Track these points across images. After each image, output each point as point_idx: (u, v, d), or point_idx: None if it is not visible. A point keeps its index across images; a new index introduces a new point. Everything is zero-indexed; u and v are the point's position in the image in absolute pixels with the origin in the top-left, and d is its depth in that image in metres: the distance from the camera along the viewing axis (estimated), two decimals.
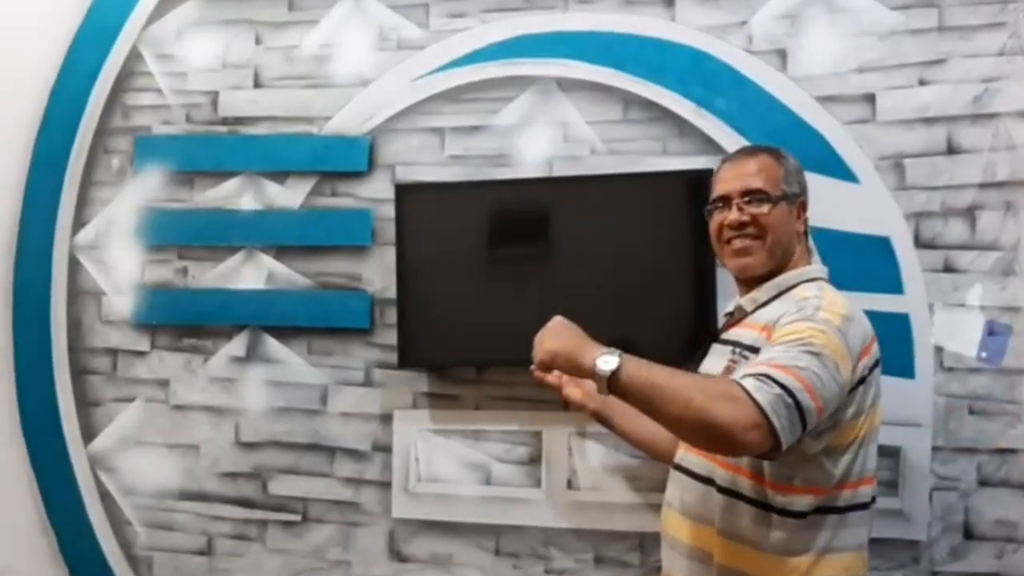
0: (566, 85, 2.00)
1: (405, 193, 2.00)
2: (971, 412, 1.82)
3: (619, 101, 1.98)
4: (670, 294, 1.87)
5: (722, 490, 1.48)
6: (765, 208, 1.54)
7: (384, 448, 2.05)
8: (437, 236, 1.97)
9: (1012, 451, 1.80)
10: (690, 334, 1.85)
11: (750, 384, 1.28)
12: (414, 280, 1.96)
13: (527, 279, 1.94)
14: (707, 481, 1.51)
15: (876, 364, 1.46)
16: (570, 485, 1.97)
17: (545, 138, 2.01)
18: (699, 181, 1.77)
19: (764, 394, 1.27)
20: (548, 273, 1.92)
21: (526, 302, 1.90)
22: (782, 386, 1.29)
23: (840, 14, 1.90)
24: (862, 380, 1.42)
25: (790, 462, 1.41)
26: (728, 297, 1.83)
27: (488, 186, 2.00)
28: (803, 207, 1.59)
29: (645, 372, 1.30)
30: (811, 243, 1.63)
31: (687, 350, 1.78)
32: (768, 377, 1.29)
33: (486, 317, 1.93)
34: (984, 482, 1.81)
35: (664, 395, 1.28)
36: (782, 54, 1.93)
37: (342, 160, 2.09)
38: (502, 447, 2.00)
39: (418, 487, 2.03)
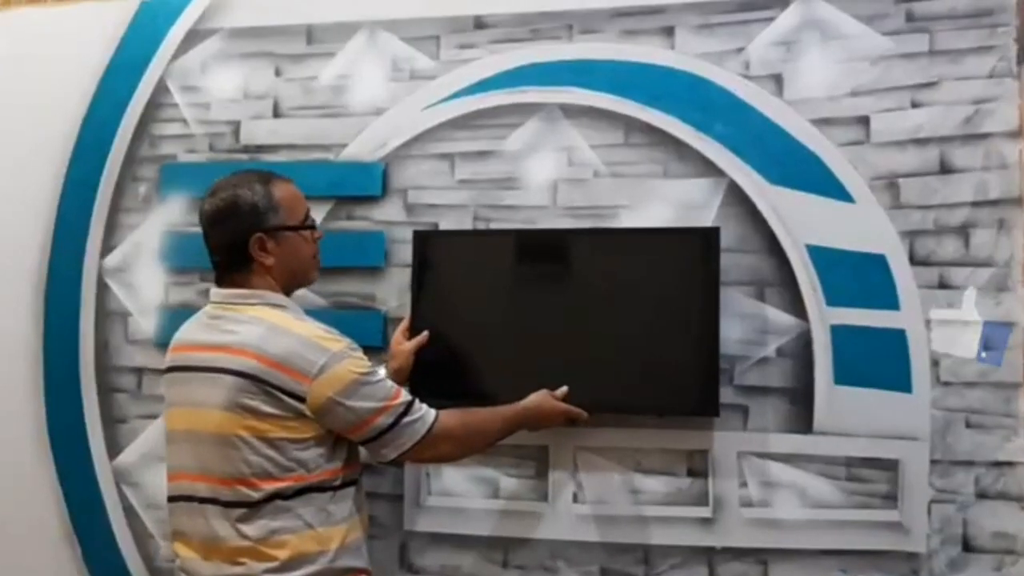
0: (570, 112, 2.07)
1: (425, 240, 2.06)
2: (968, 425, 1.85)
3: (621, 126, 2.05)
4: (674, 346, 1.91)
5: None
6: None
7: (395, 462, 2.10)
8: (452, 280, 2.04)
9: (1009, 464, 1.83)
10: (694, 387, 1.91)
11: None
12: (429, 322, 2.00)
13: (538, 324, 1.98)
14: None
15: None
16: (576, 499, 2.02)
17: (550, 162, 2.08)
18: (708, 237, 1.90)
19: None
20: (559, 319, 1.97)
21: (536, 346, 1.96)
22: None
23: (834, 40, 1.96)
24: None
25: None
26: (729, 348, 1.92)
27: (504, 234, 2.07)
28: None
29: None
30: None
31: (691, 403, 1.90)
32: None
33: (497, 359, 1.98)
34: (982, 495, 1.84)
35: None
36: (778, 79, 1.99)
37: (357, 185, 2.17)
38: (510, 460, 2.05)
39: (429, 500, 2.09)
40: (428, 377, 1.96)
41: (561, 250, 2.01)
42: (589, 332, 1.93)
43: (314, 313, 1.85)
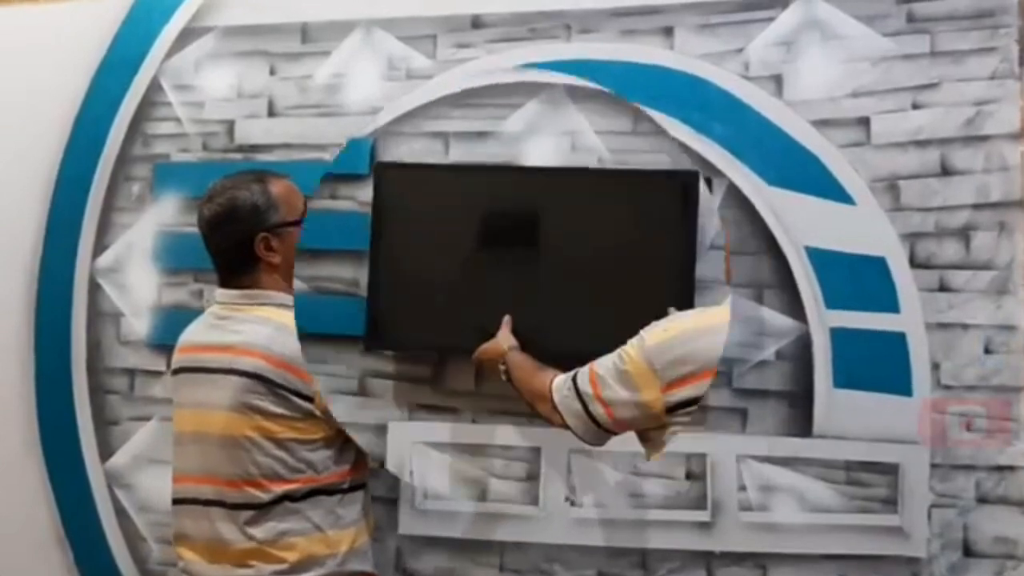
0: (576, 94, 2.03)
1: (384, 172, 2.01)
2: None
3: (629, 112, 2.01)
4: (649, 292, 1.87)
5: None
6: None
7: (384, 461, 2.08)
8: (415, 218, 1.98)
9: (1011, 468, 1.81)
10: None
11: None
12: (387, 262, 1.95)
13: (505, 268, 1.93)
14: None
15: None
16: (572, 502, 2.00)
17: (552, 146, 2.04)
18: (687, 182, 1.88)
19: None
20: (526, 264, 1.92)
21: (501, 291, 1.90)
22: None
23: (834, 41, 1.95)
24: None
25: None
26: (728, 350, 1.82)
27: (472, 171, 2.02)
28: None
29: None
30: None
31: None
32: None
33: (458, 303, 1.92)
34: (983, 499, 1.82)
35: None
36: (778, 80, 1.97)
37: (341, 161, 2.12)
38: (503, 463, 2.03)
39: (424, 504, 2.07)
40: (388, 323, 1.91)
41: (538, 189, 1.95)
42: (563, 277, 1.89)
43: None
